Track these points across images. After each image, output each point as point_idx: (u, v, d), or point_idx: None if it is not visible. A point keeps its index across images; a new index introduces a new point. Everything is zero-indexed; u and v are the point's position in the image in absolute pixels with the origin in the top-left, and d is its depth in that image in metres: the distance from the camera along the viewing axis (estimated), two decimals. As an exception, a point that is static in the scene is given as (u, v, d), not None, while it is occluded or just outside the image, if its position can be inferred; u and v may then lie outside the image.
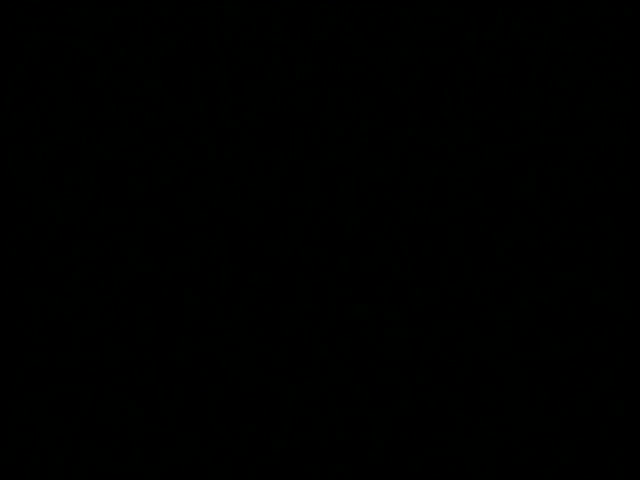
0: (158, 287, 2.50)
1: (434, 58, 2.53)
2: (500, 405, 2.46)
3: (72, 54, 2.54)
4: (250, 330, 2.49)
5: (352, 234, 2.51)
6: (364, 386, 2.47)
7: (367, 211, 2.51)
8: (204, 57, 2.54)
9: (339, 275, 2.50)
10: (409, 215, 2.50)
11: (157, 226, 2.51)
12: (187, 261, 2.50)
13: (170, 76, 2.54)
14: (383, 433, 2.46)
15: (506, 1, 2.52)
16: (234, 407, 2.47)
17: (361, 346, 2.48)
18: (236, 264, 2.51)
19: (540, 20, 2.52)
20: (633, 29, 2.51)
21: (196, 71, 2.54)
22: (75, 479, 2.46)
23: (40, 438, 2.47)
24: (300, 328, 2.49)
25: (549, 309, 2.48)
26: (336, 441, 2.46)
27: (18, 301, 2.49)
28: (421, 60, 2.53)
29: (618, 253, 2.48)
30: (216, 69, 2.54)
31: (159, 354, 2.48)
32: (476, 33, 2.52)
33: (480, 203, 2.50)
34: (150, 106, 2.53)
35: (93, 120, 2.53)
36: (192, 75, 2.54)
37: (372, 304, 2.49)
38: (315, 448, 2.46)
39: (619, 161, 2.50)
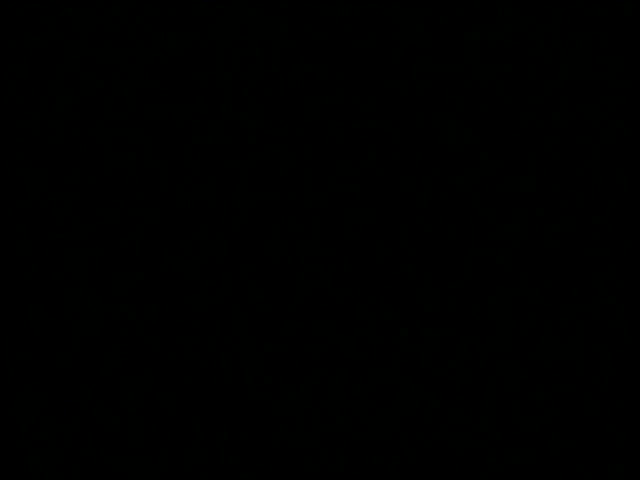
0: (157, 287, 2.50)
1: (434, 58, 2.53)
2: (500, 405, 2.46)
3: (72, 54, 2.54)
4: (250, 330, 2.49)
5: (352, 234, 2.51)
6: (364, 386, 2.47)
7: (367, 211, 2.51)
8: (204, 57, 2.54)
9: (339, 275, 2.50)
10: (410, 215, 2.50)
11: (157, 226, 2.51)
12: (186, 261, 2.51)
13: (170, 76, 2.54)
14: (383, 433, 2.46)
15: (506, 1, 2.52)
16: (234, 407, 2.48)
17: (361, 346, 2.48)
18: (236, 264, 2.51)
19: (540, 20, 2.52)
20: (633, 29, 2.51)
21: (196, 71, 2.54)
22: (75, 479, 2.46)
23: (40, 438, 2.47)
24: (300, 328, 2.49)
25: (549, 309, 2.48)
26: (336, 441, 2.46)
27: (18, 301, 2.49)
28: (422, 60, 2.53)
29: (618, 254, 2.49)
30: (216, 69, 2.54)
31: (158, 354, 2.48)
32: (476, 33, 2.52)
33: (480, 203, 2.50)
34: (150, 106, 2.53)
35: (93, 120, 2.54)
36: (192, 75, 2.54)
37: (372, 304, 2.49)
38: (315, 448, 2.46)
39: (619, 162, 2.50)
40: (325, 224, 2.51)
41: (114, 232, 2.51)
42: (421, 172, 2.51)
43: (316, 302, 2.49)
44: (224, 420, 2.47)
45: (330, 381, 2.47)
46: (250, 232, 2.51)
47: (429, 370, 2.47)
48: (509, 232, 2.49)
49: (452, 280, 2.49)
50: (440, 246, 2.50)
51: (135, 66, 2.54)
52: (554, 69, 2.52)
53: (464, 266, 2.49)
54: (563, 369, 2.46)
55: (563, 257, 2.49)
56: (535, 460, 2.45)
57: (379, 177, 2.51)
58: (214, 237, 2.51)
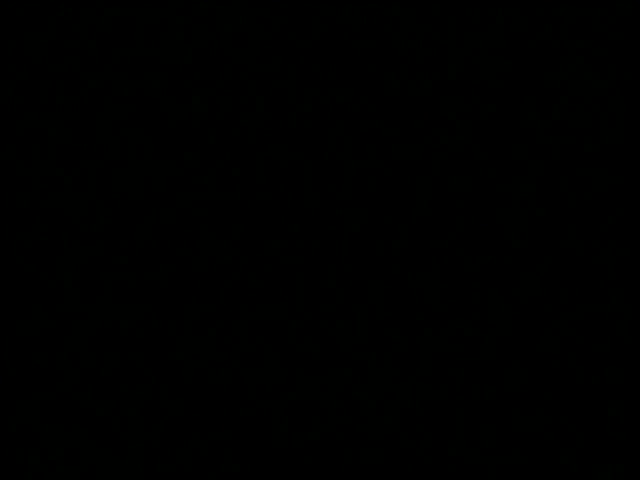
0: (157, 288, 2.50)
1: (434, 58, 2.53)
2: (500, 405, 2.46)
3: (72, 54, 2.54)
4: (250, 331, 2.49)
5: (352, 235, 2.51)
6: (363, 386, 2.48)
7: (367, 212, 2.51)
8: (204, 57, 2.54)
9: (339, 276, 2.50)
10: (409, 215, 2.51)
11: (156, 226, 2.52)
12: (186, 261, 2.51)
13: (170, 76, 2.54)
14: (383, 433, 2.46)
15: (506, 1, 2.53)
16: (234, 407, 2.48)
17: (361, 346, 2.49)
18: (236, 265, 2.51)
19: (540, 20, 2.52)
20: (633, 29, 2.51)
21: (196, 71, 2.54)
22: (75, 479, 2.46)
23: (40, 438, 2.47)
24: (300, 328, 2.49)
25: (548, 309, 2.48)
26: (336, 441, 2.46)
27: (18, 301, 2.50)
28: (421, 60, 2.53)
29: (618, 254, 2.49)
30: (216, 69, 2.54)
31: (159, 355, 2.49)
32: (475, 33, 2.52)
33: (480, 204, 2.50)
34: (150, 106, 2.54)
35: (92, 120, 2.54)
36: (192, 75, 2.54)
37: (371, 304, 2.49)
38: (315, 448, 2.46)
39: (619, 162, 2.50)
40: (325, 224, 2.51)
41: (114, 232, 2.51)
42: (421, 172, 2.51)
43: (316, 302, 2.49)
44: (224, 420, 2.47)
45: (330, 381, 2.48)
46: (250, 232, 2.51)
47: (429, 370, 2.47)
48: (509, 232, 2.50)
49: (451, 280, 2.49)
50: (440, 246, 2.50)
51: (135, 66, 2.54)
52: (553, 69, 2.52)
53: (464, 266, 2.49)
54: (563, 369, 2.46)
55: (563, 257, 2.49)
56: (535, 460, 2.45)
57: (379, 177, 2.52)
58: (213, 237, 2.51)
